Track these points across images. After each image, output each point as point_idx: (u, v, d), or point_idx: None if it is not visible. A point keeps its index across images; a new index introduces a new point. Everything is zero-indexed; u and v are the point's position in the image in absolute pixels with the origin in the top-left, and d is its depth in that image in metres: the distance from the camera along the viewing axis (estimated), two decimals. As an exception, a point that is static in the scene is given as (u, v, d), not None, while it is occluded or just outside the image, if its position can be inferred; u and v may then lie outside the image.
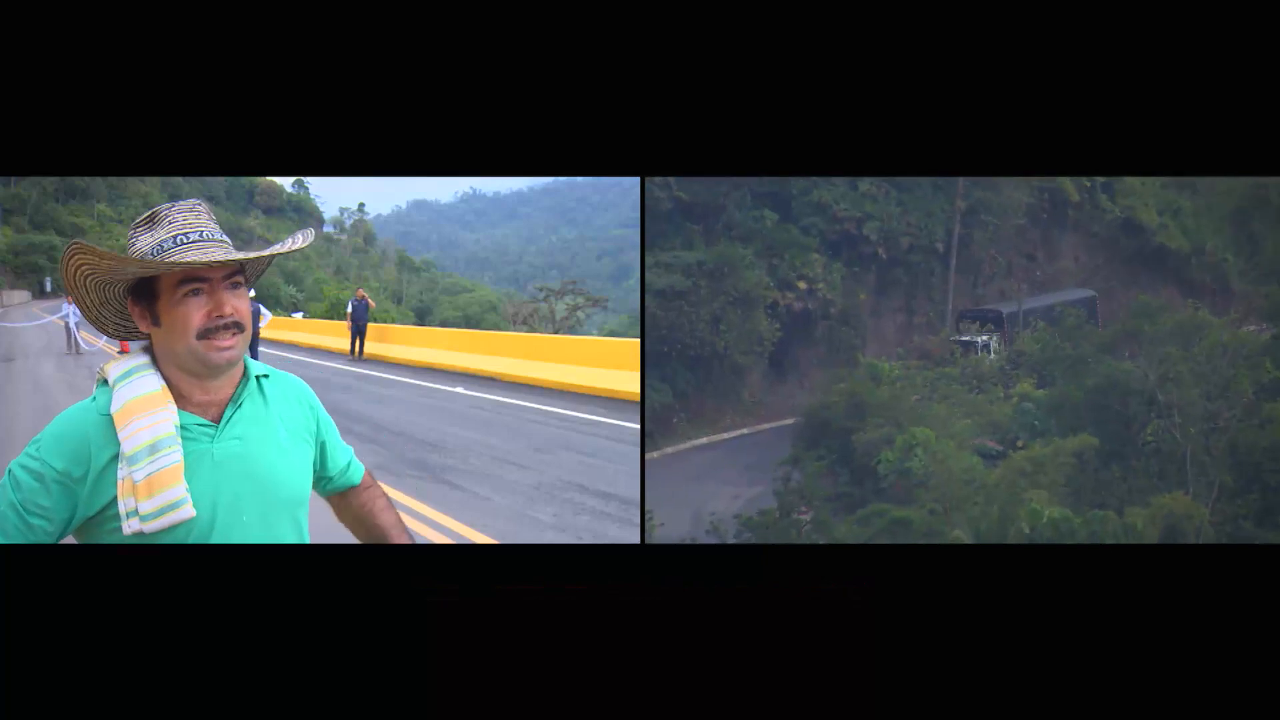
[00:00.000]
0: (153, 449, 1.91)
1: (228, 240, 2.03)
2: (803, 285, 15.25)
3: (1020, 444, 12.10)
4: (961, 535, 10.22)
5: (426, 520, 7.57)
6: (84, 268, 1.94)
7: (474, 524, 7.51)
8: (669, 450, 14.54)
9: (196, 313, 1.94)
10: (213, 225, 2.01)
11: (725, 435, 15.89)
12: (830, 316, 15.54)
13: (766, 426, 15.78)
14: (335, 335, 28.80)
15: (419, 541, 2.70)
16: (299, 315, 41.02)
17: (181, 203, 2.02)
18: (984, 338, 15.10)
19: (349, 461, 2.40)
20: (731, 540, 10.96)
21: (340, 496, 2.45)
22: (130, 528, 1.91)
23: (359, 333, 24.28)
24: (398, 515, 2.50)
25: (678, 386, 14.98)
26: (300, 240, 2.12)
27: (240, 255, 1.99)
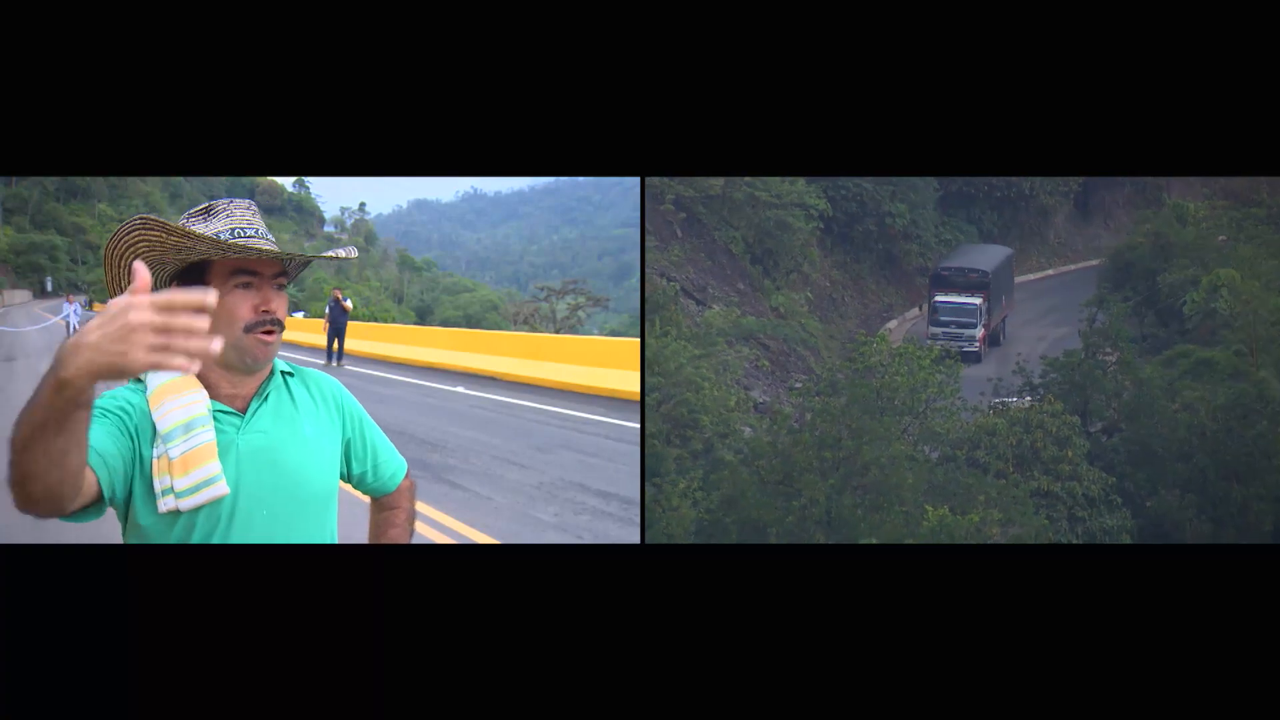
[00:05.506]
0: (187, 427, 1.95)
1: (275, 244, 2.06)
2: (1109, 124, 15.20)
3: (1329, 283, 11.55)
4: (1268, 377, 9.97)
5: (427, 520, 7.56)
6: (143, 243, 1.93)
7: (475, 524, 7.51)
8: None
9: (244, 305, 1.98)
10: (265, 228, 2.06)
11: (1031, 276, 15.68)
12: (1137, 156, 15.35)
13: (1072, 268, 15.65)
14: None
15: (419, 542, 2.69)
16: (300, 315, 40.95)
17: (239, 200, 2.05)
18: (972, 300, 13.81)
19: (365, 472, 2.36)
20: (1037, 380, 10.88)
21: (372, 500, 2.46)
22: (166, 505, 1.94)
23: (337, 334, 22.39)
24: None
25: (984, 227, 14.86)
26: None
27: (309, 255, 2.07)
